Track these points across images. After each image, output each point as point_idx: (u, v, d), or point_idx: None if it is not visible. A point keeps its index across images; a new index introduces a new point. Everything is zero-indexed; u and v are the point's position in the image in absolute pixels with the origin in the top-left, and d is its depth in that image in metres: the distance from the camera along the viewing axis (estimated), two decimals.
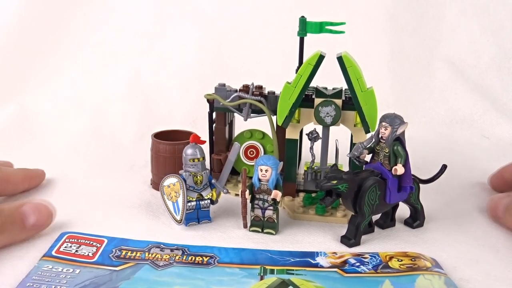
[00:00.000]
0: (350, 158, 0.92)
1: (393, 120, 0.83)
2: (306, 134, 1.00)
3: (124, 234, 0.86)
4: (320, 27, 0.96)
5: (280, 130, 0.99)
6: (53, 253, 0.78)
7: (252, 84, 1.02)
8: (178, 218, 0.89)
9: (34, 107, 1.40)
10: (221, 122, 1.05)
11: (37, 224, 0.81)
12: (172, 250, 0.81)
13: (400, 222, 0.93)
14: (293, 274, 0.76)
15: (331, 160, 0.99)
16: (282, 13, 1.52)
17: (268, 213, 0.88)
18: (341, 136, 1.01)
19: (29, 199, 0.84)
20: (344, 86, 0.93)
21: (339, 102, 0.93)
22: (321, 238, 0.88)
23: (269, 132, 1.02)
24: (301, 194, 1.00)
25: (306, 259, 0.80)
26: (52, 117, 1.38)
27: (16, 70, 1.48)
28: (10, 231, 0.78)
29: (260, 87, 1.02)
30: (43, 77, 1.47)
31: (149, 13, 1.58)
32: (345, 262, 0.79)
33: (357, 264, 0.78)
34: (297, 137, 0.98)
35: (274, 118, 0.99)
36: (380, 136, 0.85)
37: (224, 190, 0.94)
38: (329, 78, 1.01)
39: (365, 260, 0.80)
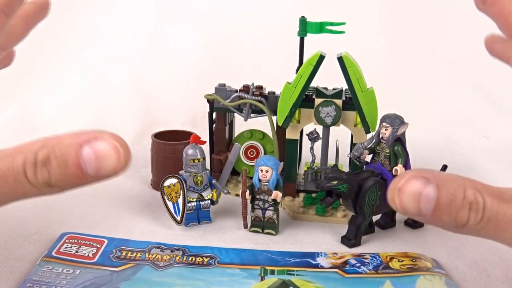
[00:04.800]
0: (350, 159, 0.92)
1: (394, 120, 0.83)
2: (306, 134, 1.00)
3: (124, 234, 0.86)
4: (320, 27, 0.96)
5: (280, 130, 0.99)
6: (53, 253, 0.78)
7: (252, 84, 1.01)
8: (178, 218, 0.89)
9: (35, 106, 1.40)
10: (221, 122, 1.05)
11: (99, 175, 0.52)
12: (172, 251, 0.81)
13: (400, 222, 0.93)
14: (293, 274, 0.76)
15: (331, 161, 0.99)
16: (282, 13, 1.51)
17: (269, 213, 0.88)
18: (341, 136, 1.01)
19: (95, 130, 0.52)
20: (345, 86, 0.93)
21: (339, 102, 0.93)
22: (322, 239, 0.88)
23: (269, 132, 1.02)
24: (301, 195, 1.00)
25: (306, 260, 0.80)
26: (52, 116, 1.38)
27: (18, 70, 1.47)
28: (61, 179, 0.53)
29: (260, 87, 1.02)
30: (44, 77, 1.47)
31: (150, 13, 1.58)
32: (346, 262, 0.79)
33: (358, 264, 0.78)
34: (297, 137, 0.98)
35: (274, 118, 0.99)
36: (380, 136, 0.85)
37: (225, 191, 0.94)
38: (330, 78, 1.01)
39: (366, 260, 0.80)
